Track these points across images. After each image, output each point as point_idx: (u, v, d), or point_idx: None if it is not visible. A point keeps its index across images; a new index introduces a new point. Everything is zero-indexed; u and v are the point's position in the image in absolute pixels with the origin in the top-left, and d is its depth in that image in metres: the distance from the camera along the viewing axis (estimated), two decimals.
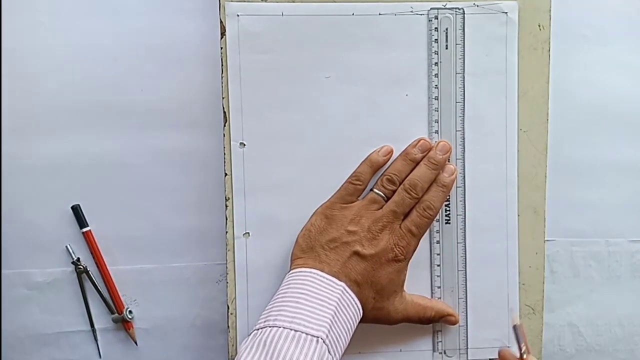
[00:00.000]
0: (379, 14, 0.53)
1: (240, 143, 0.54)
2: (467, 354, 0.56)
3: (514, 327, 0.50)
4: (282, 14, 0.53)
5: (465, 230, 0.55)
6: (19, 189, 0.58)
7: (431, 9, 0.53)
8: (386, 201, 0.52)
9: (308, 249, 0.52)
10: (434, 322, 0.55)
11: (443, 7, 0.53)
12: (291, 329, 0.46)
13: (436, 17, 0.53)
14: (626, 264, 0.60)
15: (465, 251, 0.55)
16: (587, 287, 0.60)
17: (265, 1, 0.53)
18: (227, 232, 0.54)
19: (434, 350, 0.56)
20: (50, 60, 0.57)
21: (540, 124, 0.55)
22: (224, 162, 0.54)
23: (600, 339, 0.60)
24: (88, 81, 0.57)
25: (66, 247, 0.58)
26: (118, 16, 0.57)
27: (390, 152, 0.54)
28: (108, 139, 0.58)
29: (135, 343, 0.59)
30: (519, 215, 0.55)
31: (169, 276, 0.59)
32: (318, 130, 0.54)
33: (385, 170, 0.53)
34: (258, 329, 0.47)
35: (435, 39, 0.54)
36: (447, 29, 0.54)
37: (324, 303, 0.48)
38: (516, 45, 0.54)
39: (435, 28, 0.53)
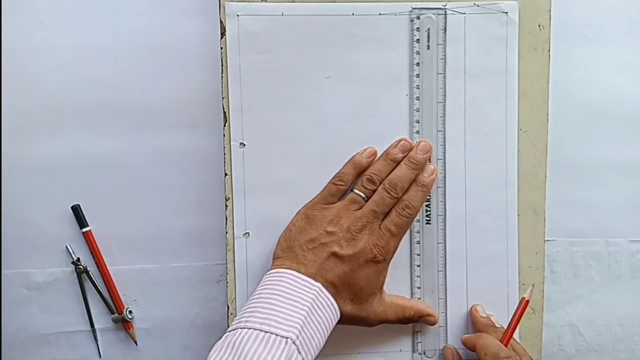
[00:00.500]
0: (379, 14, 0.53)
1: (240, 143, 0.54)
2: None
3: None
4: (282, 14, 0.53)
5: (445, 231, 0.55)
6: (19, 189, 0.58)
7: (430, 9, 0.53)
8: (366, 201, 0.52)
9: (287, 249, 0.51)
10: (413, 322, 0.54)
11: (443, 7, 0.53)
12: (261, 330, 0.45)
13: (423, 17, 0.53)
14: (626, 264, 0.60)
15: (446, 251, 0.55)
16: (587, 287, 0.60)
17: (265, 1, 0.53)
18: (227, 232, 0.54)
19: (413, 351, 0.56)
20: (50, 60, 0.57)
21: (540, 124, 0.55)
22: (224, 162, 0.54)
23: (600, 339, 0.60)
24: (88, 81, 0.57)
25: (66, 247, 0.58)
26: (118, 16, 0.57)
27: (374, 153, 0.53)
28: (108, 139, 0.58)
29: (135, 343, 0.59)
30: (519, 215, 0.55)
31: (169, 276, 0.59)
32: (318, 130, 0.54)
33: (366, 170, 0.53)
34: (230, 331, 0.47)
35: (421, 39, 0.53)
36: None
37: (296, 304, 0.47)
38: (516, 45, 0.54)
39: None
